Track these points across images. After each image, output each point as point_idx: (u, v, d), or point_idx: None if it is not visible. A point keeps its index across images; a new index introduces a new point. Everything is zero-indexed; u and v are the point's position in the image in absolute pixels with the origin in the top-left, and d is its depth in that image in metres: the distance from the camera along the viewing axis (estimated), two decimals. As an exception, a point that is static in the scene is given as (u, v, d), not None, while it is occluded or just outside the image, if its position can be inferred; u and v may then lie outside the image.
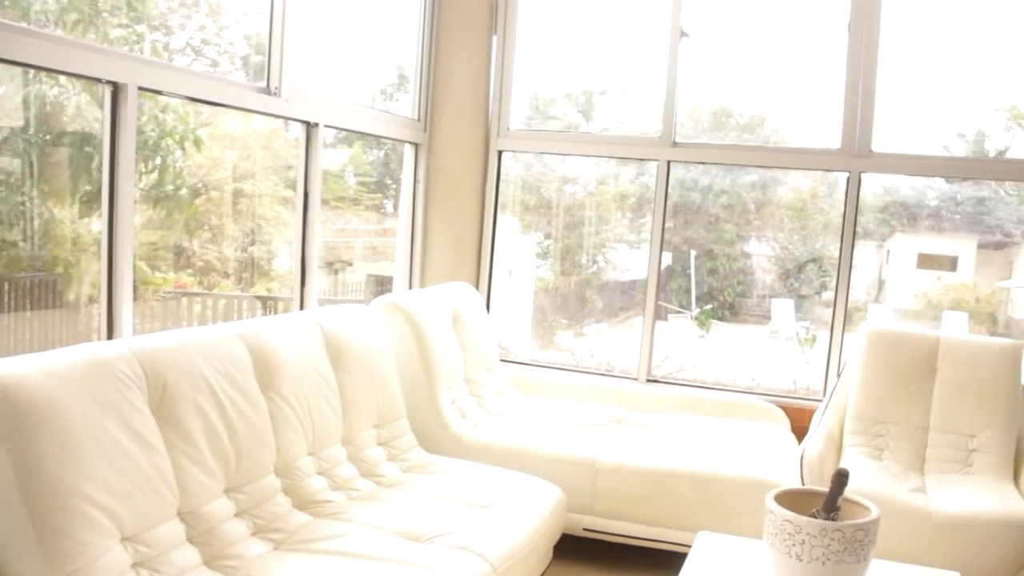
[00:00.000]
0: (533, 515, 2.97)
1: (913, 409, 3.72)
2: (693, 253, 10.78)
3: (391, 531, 2.69)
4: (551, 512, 3.09)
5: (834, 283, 4.21)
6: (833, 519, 2.41)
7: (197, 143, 5.71)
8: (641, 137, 4.43)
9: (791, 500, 2.50)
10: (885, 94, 4.06)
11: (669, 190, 4.24)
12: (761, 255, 11.69)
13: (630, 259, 11.10)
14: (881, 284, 12.01)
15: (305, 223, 3.60)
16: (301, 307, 3.66)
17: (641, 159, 4.64)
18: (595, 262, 10.65)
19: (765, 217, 11.81)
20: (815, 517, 2.41)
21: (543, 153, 4.86)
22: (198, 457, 2.44)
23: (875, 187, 12.03)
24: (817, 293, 11.68)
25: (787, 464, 3.47)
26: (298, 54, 3.47)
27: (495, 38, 4.42)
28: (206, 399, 2.51)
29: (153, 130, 5.09)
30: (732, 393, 4.25)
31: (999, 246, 11.23)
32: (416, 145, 4.39)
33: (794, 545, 2.35)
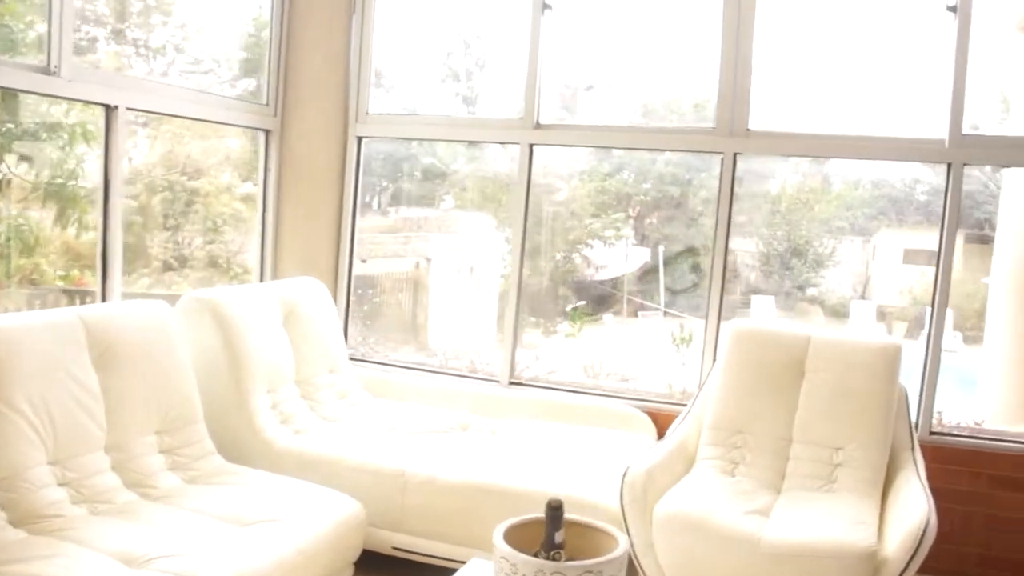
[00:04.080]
0: (305, 534, 2.70)
1: (776, 418, 3.34)
2: (662, 249, 10.40)
3: (110, 552, 2.43)
4: (335, 529, 2.83)
5: (708, 273, 3.85)
6: (555, 558, 2.08)
7: (87, 137, 5.52)
8: (502, 119, 4.10)
9: (536, 531, 2.20)
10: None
11: (535, 177, 3.94)
12: (744, 251, 11.27)
13: (605, 256, 10.75)
14: (867, 280, 11.50)
15: (106, 213, 3.36)
16: (103, 301, 3.41)
17: (502, 143, 4.31)
18: (569, 259, 10.33)
19: (746, 211, 11.38)
20: (537, 556, 2.09)
21: (401, 139, 4.55)
22: None
23: (864, 182, 11.53)
24: (800, 288, 11.22)
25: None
26: (94, 26, 3.22)
27: (354, 17, 4.12)
28: None
29: (35, 123, 4.92)
30: (598, 398, 3.90)
31: (986, 240, 10.66)
32: (267, 132, 4.11)
33: (512, 587, 2.04)
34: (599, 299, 10.48)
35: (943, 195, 3.53)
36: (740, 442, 3.34)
